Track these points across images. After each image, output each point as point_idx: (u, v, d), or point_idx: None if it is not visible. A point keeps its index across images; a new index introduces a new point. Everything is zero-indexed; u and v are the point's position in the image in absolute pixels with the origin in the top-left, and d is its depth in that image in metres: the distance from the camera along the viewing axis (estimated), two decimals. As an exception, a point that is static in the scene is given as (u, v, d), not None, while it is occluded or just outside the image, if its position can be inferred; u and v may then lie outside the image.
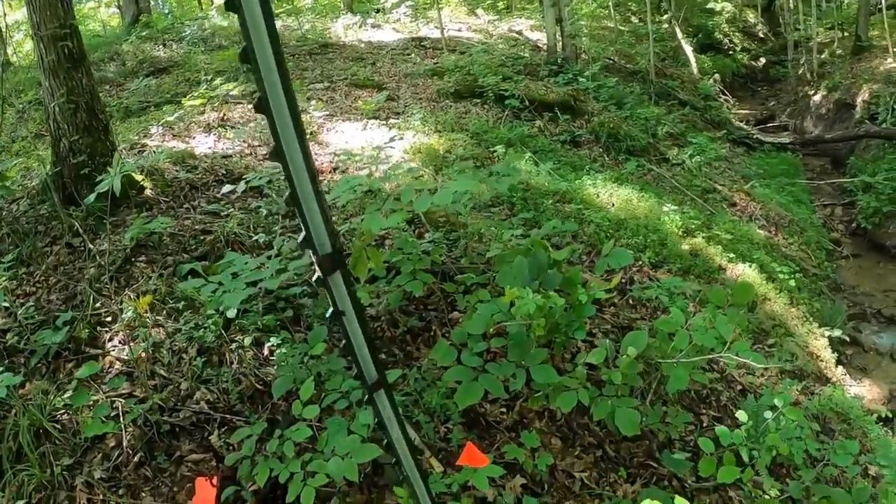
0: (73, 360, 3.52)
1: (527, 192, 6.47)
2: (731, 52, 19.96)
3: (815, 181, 11.82)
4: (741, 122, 14.80)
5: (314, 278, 1.11)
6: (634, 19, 18.98)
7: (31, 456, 2.94)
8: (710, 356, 2.76)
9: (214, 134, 7.26)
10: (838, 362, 6.42)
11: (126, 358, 3.46)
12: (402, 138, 7.26)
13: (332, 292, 1.05)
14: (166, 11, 16.81)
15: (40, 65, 4.85)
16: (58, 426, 3.14)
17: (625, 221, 6.57)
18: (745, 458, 2.62)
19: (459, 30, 14.46)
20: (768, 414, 2.76)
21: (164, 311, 3.73)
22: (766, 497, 2.69)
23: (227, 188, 4.56)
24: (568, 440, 3.21)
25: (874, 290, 8.46)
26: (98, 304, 3.88)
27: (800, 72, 16.57)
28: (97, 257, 4.31)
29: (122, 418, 3.08)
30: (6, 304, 3.87)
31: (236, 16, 0.85)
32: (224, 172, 5.78)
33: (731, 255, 7.06)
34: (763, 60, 20.25)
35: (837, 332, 6.46)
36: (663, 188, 8.79)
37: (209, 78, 9.37)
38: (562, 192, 6.74)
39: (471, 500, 2.65)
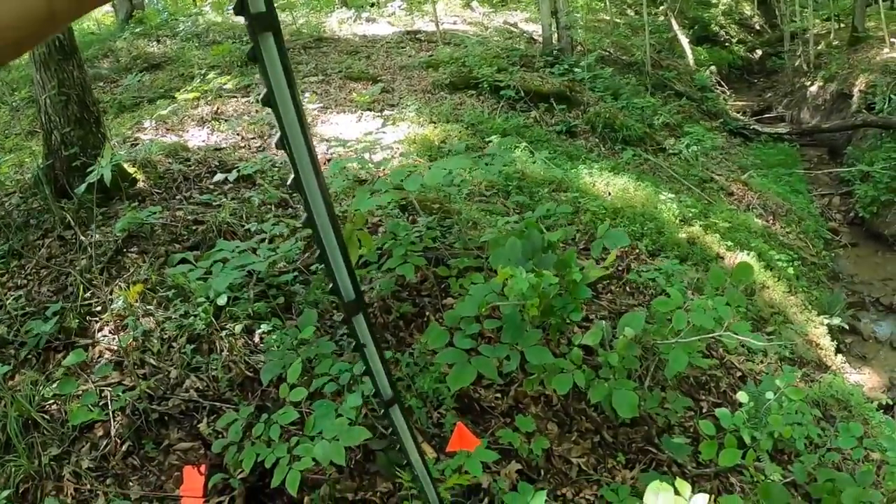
0: (63, 350, 3.48)
1: (522, 181, 6.42)
2: (727, 44, 19.90)
3: (813, 171, 11.77)
4: (738, 113, 14.74)
5: (341, 319, 1.29)
6: (630, 11, 18.91)
7: (19, 446, 2.90)
8: (710, 335, 2.70)
9: (208, 127, 7.21)
10: (838, 350, 6.38)
11: (115, 347, 3.41)
12: (395, 124, 7.20)
13: (356, 330, 1.22)
14: (160, 7, 16.71)
15: (31, 57, 4.80)
16: (46, 416, 3.10)
17: (621, 210, 6.51)
18: (747, 440, 2.57)
19: (454, 23, 14.40)
20: (770, 395, 2.70)
21: (155, 301, 3.68)
22: (769, 481, 2.64)
23: (219, 177, 4.51)
24: (564, 425, 3.16)
25: (872, 278, 8.42)
26: (88, 295, 3.84)
27: (796, 63, 16.51)
28: (88, 249, 4.26)
29: (110, 406, 3.03)
30: (-4, 296, 3.83)
31: (233, 17, 0.83)
32: (217, 164, 5.72)
33: (729, 244, 7.01)
34: (759, 52, 20.18)
35: (837, 321, 6.42)
36: (660, 178, 8.74)
37: (203, 73, 9.31)
38: (558, 181, 6.69)
39: (462, 482, 2.59)
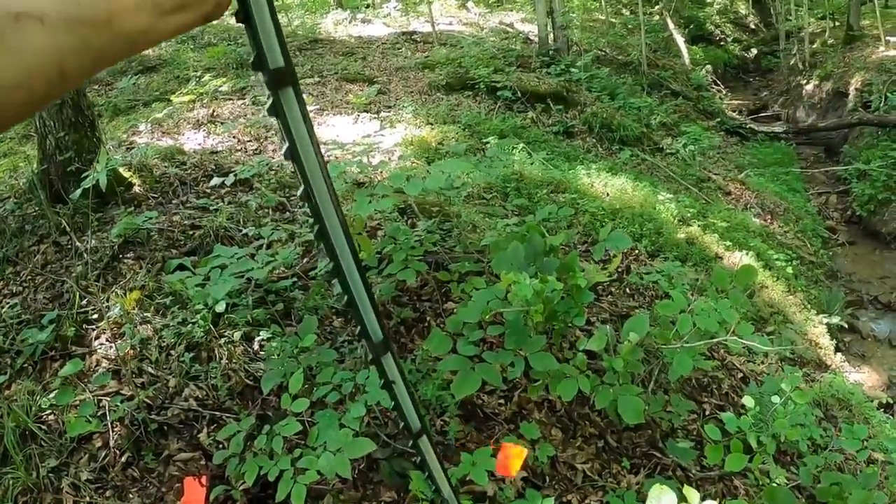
0: (60, 359, 3.43)
1: (520, 182, 6.40)
2: (722, 43, 19.94)
3: (810, 170, 11.78)
4: (734, 112, 14.76)
5: (368, 359, 1.37)
6: (625, 11, 18.91)
7: (17, 458, 2.86)
8: (715, 340, 2.68)
9: (204, 130, 7.16)
10: (837, 349, 6.38)
11: (113, 356, 3.37)
12: (392, 126, 7.17)
13: (385, 368, 1.28)
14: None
15: (24, 60, 4.75)
16: (44, 427, 3.05)
17: (620, 211, 6.50)
18: (754, 445, 2.54)
19: (450, 23, 14.38)
20: (776, 399, 2.69)
21: (152, 308, 3.63)
22: (774, 485, 2.62)
23: (215, 180, 4.47)
24: (568, 431, 3.13)
25: (870, 276, 8.43)
26: (84, 302, 3.79)
27: (792, 62, 16.54)
28: (84, 255, 4.22)
29: (108, 417, 2.99)
30: (-10, 304, 3.78)
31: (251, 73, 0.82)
32: (214, 167, 5.67)
33: (728, 244, 7.01)
34: (755, 51, 20.22)
35: (836, 319, 6.41)
36: (658, 177, 8.74)
37: (199, 75, 9.26)
38: (556, 182, 6.67)
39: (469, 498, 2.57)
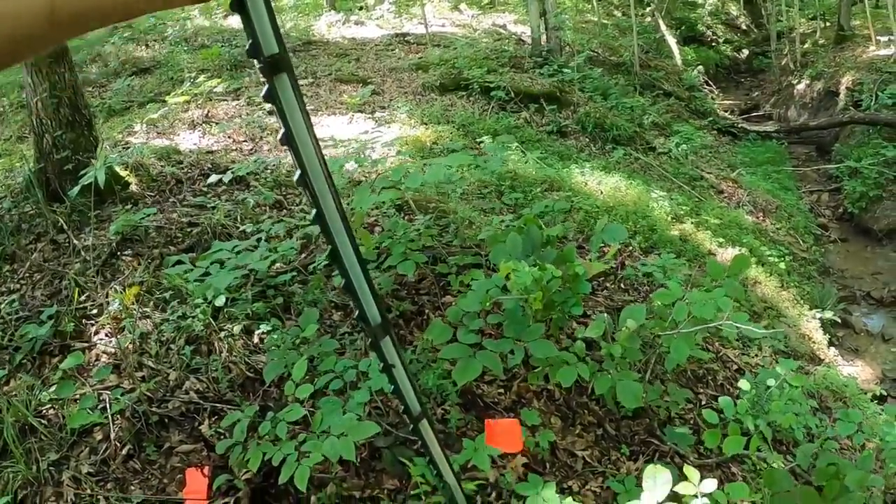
0: (59, 354, 3.44)
1: (515, 181, 6.43)
2: (714, 44, 20.04)
3: (801, 168, 11.86)
4: (726, 112, 14.85)
5: (368, 343, 1.38)
6: (617, 13, 19.02)
7: (17, 452, 2.86)
8: (711, 324, 2.72)
9: (199, 130, 7.18)
10: (830, 344, 6.43)
11: (112, 350, 3.38)
12: (387, 126, 7.21)
13: (384, 352, 1.27)
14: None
15: (23, 60, 4.76)
16: (43, 421, 3.06)
17: (614, 208, 6.54)
18: (751, 428, 2.58)
19: (443, 25, 14.42)
20: (771, 381, 2.72)
21: (151, 303, 3.65)
22: (773, 468, 2.65)
23: (213, 178, 4.49)
24: (567, 419, 3.16)
25: (863, 272, 8.50)
26: (83, 298, 3.80)
27: (783, 62, 16.65)
28: (82, 252, 4.23)
29: (109, 410, 3.00)
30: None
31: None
32: (210, 167, 5.69)
33: (721, 240, 7.06)
34: (746, 52, 20.34)
35: (829, 314, 6.47)
36: (651, 176, 8.79)
37: (193, 76, 9.27)
38: (550, 181, 6.71)
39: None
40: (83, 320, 3.64)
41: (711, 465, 3.11)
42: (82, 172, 4.32)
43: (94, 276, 3.97)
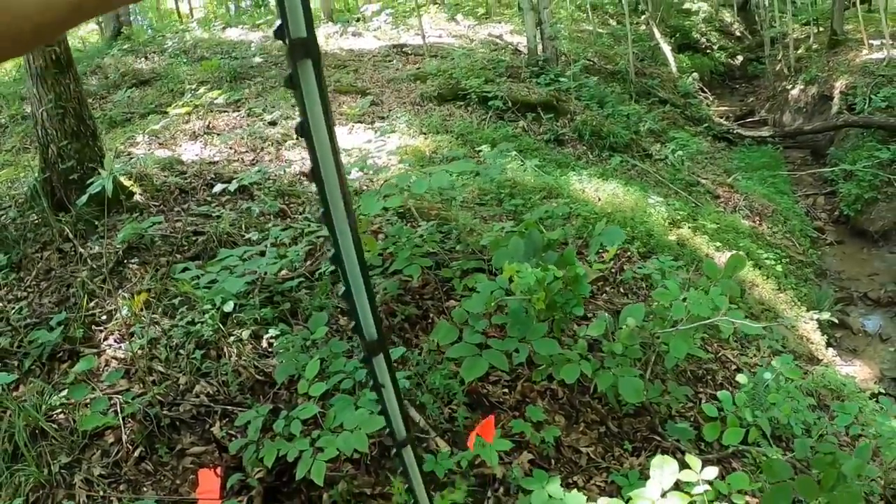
0: (68, 360, 3.49)
1: (514, 189, 6.51)
2: (708, 51, 20.21)
3: (797, 172, 11.97)
4: (721, 118, 14.99)
5: (360, 357, 1.29)
6: (612, 22, 19.19)
7: (28, 455, 2.90)
8: (708, 320, 2.78)
9: (201, 141, 7.26)
10: (828, 344, 6.50)
11: (122, 356, 3.44)
12: (387, 136, 7.29)
13: (375, 370, 1.22)
14: (146, 26, 16.76)
15: (27, 71, 4.83)
16: (55, 425, 3.10)
17: (612, 214, 6.61)
18: (750, 419, 2.64)
19: (440, 36, 14.54)
20: (768, 375, 2.79)
21: (160, 309, 3.71)
22: (772, 458, 2.71)
23: (219, 187, 4.56)
24: (571, 417, 3.23)
25: (859, 274, 8.58)
26: (92, 305, 3.86)
27: (777, 67, 16.81)
28: (89, 261, 4.28)
29: (120, 413, 3.05)
30: (-2, 308, 3.84)
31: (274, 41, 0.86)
32: (213, 177, 5.77)
33: (718, 244, 7.14)
34: (740, 58, 20.53)
35: (826, 315, 6.53)
36: (648, 182, 8.88)
37: (194, 87, 9.36)
38: (548, 188, 6.79)
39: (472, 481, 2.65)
40: (92, 326, 3.69)
41: (712, 460, 3.17)
42: (89, 182, 4.38)
43: (101, 284, 4.02)
